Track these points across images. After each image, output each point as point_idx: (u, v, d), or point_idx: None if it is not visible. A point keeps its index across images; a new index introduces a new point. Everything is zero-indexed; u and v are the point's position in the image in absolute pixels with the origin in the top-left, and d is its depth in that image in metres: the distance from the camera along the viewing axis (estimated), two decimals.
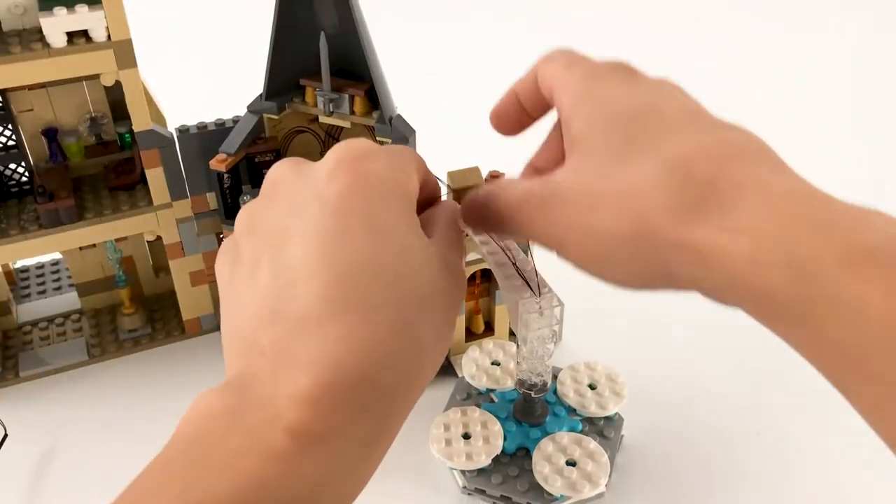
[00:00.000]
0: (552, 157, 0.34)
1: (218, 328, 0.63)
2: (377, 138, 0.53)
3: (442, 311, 0.28)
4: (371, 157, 0.28)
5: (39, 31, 0.48)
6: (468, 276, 0.55)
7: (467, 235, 0.50)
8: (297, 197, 0.28)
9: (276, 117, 0.55)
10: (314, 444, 0.24)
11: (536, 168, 0.35)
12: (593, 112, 0.29)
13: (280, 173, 0.30)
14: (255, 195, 0.53)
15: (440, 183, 0.38)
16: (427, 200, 0.35)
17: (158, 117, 0.55)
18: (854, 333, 0.22)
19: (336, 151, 0.29)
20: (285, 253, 0.27)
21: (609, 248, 0.27)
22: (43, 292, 0.66)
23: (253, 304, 0.27)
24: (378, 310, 0.26)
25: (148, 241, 0.63)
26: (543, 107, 0.35)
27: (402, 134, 0.51)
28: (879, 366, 0.22)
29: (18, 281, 0.67)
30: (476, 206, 0.34)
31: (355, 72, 0.53)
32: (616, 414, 0.51)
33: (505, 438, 0.48)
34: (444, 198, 0.55)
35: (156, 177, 0.55)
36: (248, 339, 0.26)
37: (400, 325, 0.26)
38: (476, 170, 0.55)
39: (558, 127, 0.33)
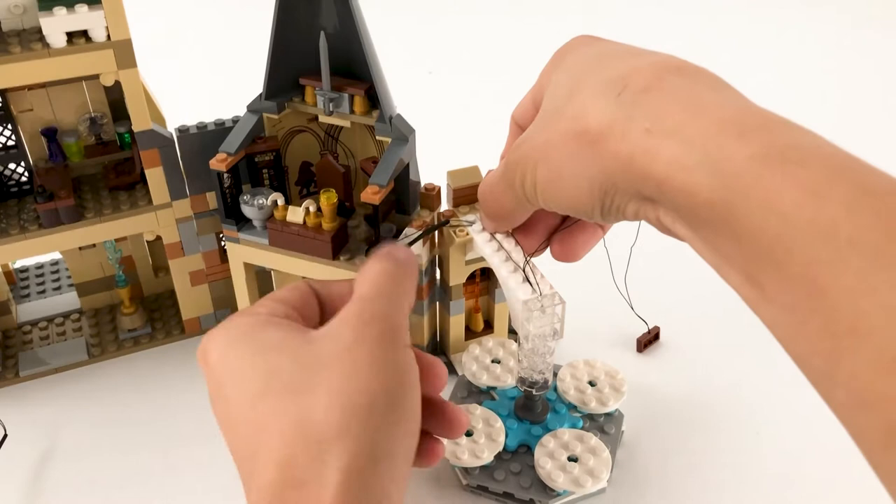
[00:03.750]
0: None
1: None
2: (377, 137, 0.53)
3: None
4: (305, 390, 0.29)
5: (39, 31, 0.48)
6: (468, 275, 0.55)
7: (467, 234, 0.50)
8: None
9: (275, 117, 0.55)
10: None
11: None
12: (555, 80, 0.32)
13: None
14: (254, 195, 0.53)
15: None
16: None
17: (158, 117, 0.55)
18: (765, 226, 0.23)
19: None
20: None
21: (561, 163, 0.30)
22: (43, 292, 0.66)
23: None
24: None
25: (148, 241, 0.63)
26: None
27: (401, 133, 0.51)
28: (782, 254, 0.23)
29: (18, 281, 0.67)
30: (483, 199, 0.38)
31: (355, 71, 0.53)
32: (616, 410, 0.51)
33: (507, 435, 0.48)
34: (443, 198, 0.56)
35: (155, 176, 0.55)
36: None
37: None
38: (476, 169, 0.55)
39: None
